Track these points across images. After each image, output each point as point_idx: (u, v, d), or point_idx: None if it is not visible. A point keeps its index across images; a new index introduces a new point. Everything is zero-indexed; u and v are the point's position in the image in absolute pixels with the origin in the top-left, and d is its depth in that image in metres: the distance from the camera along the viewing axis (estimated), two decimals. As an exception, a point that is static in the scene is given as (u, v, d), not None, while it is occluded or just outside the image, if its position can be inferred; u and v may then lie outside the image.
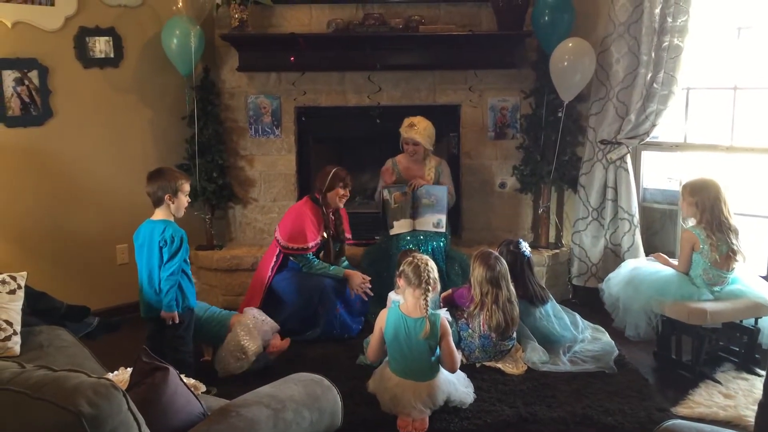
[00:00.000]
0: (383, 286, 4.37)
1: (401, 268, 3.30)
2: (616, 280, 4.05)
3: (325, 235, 4.37)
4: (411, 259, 3.29)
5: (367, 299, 4.36)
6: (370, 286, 4.33)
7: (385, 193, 4.65)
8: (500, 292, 3.75)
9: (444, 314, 3.35)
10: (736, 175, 4.46)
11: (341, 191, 4.33)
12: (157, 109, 4.88)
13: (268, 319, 3.84)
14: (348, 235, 4.58)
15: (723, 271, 3.75)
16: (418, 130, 4.59)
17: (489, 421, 3.20)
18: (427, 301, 3.20)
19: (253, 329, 3.71)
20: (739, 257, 3.76)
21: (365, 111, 5.04)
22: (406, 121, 4.64)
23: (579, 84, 4.58)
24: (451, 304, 4.00)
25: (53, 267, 4.41)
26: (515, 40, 4.85)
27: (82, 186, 4.58)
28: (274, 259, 4.30)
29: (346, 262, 4.55)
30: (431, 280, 3.22)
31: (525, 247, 4.15)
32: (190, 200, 3.54)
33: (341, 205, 4.43)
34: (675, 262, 3.99)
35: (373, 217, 5.06)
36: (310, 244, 4.23)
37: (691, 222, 3.88)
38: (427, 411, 3.20)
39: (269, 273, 4.29)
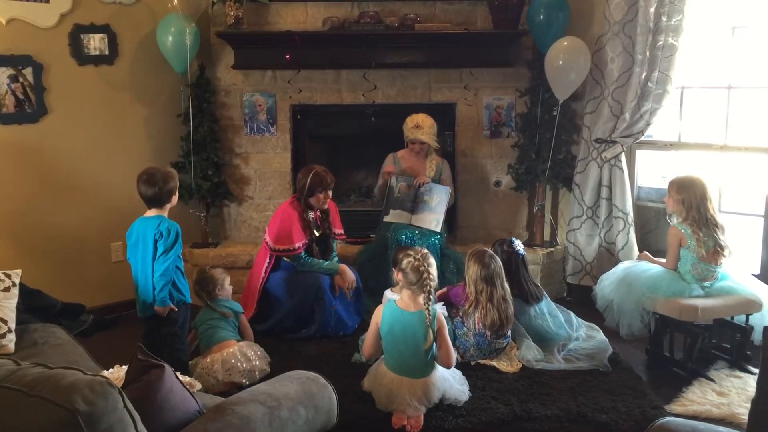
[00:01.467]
0: (380, 283, 4.38)
1: (402, 264, 3.28)
2: (608, 281, 4.07)
3: (316, 233, 4.36)
4: (411, 258, 3.26)
5: (350, 299, 4.38)
6: (353, 288, 4.38)
7: (393, 180, 4.64)
8: (495, 290, 3.75)
9: (440, 309, 3.35)
10: (729, 174, 4.48)
11: (321, 197, 4.27)
12: (153, 106, 4.87)
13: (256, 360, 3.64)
14: (339, 231, 4.53)
15: (711, 265, 3.78)
16: (425, 130, 4.61)
17: (484, 419, 3.21)
18: (429, 304, 3.20)
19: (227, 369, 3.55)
20: (726, 252, 3.79)
21: (360, 109, 5.04)
22: (411, 122, 4.64)
23: (574, 83, 4.60)
24: (446, 302, 4.01)
25: (48, 264, 4.40)
26: (510, 38, 4.86)
27: (76, 183, 4.57)
28: (267, 260, 4.29)
29: (336, 258, 4.54)
30: (431, 284, 3.21)
31: (518, 245, 4.16)
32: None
33: (325, 206, 4.38)
34: (663, 260, 4.02)
35: (368, 215, 5.07)
36: (297, 245, 4.21)
37: (676, 218, 3.91)
38: (422, 408, 3.20)
39: (263, 274, 4.27)
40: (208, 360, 3.54)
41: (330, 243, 4.47)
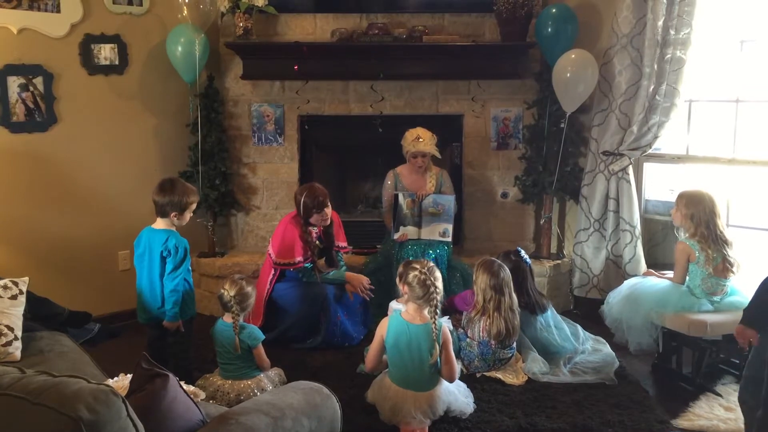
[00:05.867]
0: (385, 295, 4.37)
1: (408, 278, 3.26)
2: (615, 300, 4.06)
3: (319, 245, 4.36)
4: (417, 272, 3.24)
5: (368, 299, 4.36)
6: (371, 288, 4.35)
7: (400, 196, 4.64)
8: (503, 299, 3.74)
9: (445, 323, 3.34)
10: (738, 187, 4.46)
11: (319, 216, 4.24)
12: (161, 116, 4.90)
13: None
14: (342, 244, 4.50)
15: (721, 279, 3.77)
16: (425, 141, 4.59)
17: (489, 432, 3.20)
18: (436, 317, 3.19)
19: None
20: (735, 268, 3.77)
21: (368, 120, 5.06)
22: (410, 136, 4.62)
23: (582, 95, 4.60)
24: (452, 308, 4.00)
25: (55, 273, 4.41)
26: (518, 50, 4.87)
27: (85, 192, 4.59)
28: (272, 271, 4.29)
29: (344, 267, 4.54)
30: (438, 297, 3.20)
31: (524, 254, 4.16)
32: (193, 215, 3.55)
33: (328, 222, 4.33)
34: (669, 273, 4.00)
35: (375, 225, 5.08)
36: (297, 260, 4.22)
37: (684, 233, 3.89)
38: (427, 421, 3.19)
39: (268, 286, 4.28)
40: (223, 384, 3.39)
41: (333, 256, 4.45)
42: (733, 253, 3.78)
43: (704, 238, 3.78)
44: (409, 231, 4.61)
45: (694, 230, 3.82)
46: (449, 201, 4.63)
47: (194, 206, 3.49)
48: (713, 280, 3.77)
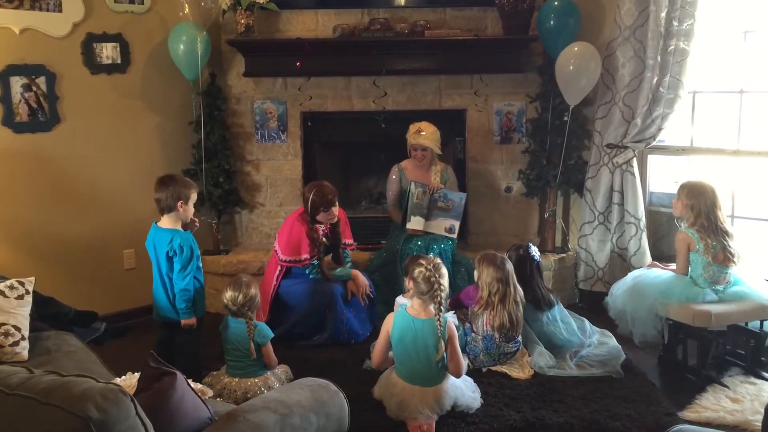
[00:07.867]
0: (391, 291, 4.37)
1: (413, 273, 3.26)
2: (619, 291, 4.05)
3: (326, 242, 4.36)
4: (423, 268, 3.24)
5: (364, 304, 4.37)
6: (370, 293, 4.37)
7: (412, 186, 4.63)
8: (508, 290, 3.75)
9: (450, 317, 3.34)
10: (742, 178, 4.45)
11: (326, 215, 4.24)
12: (164, 114, 4.90)
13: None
14: (348, 241, 4.49)
15: (723, 267, 3.76)
16: (427, 135, 4.59)
17: (496, 426, 3.20)
18: (440, 314, 3.20)
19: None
20: (735, 259, 3.77)
21: (371, 116, 5.05)
22: (413, 128, 4.64)
23: (585, 88, 4.58)
24: (457, 304, 4.00)
25: (61, 272, 4.41)
26: (521, 44, 4.86)
27: (89, 191, 4.60)
28: (278, 268, 4.30)
29: (350, 265, 4.53)
30: (442, 294, 3.20)
31: (535, 251, 4.15)
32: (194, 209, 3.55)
33: (335, 220, 4.32)
34: (674, 266, 3.99)
35: (379, 221, 5.07)
36: (304, 257, 4.22)
37: (684, 223, 3.89)
38: (434, 416, 3.19)
39: (274, 282, 4.28)
40: (230, 382, 3.41)
41: (340, 253, 4.45)
42: (733, 244, 3.77)
43: (704, 229, 3.77)
44: (418, 222, 4.61)
45: (693, 220, 3.82)
46: (460, 198, 4.62)
47: (195, 197, 3.51)
48: (714, 268, 3.76)
